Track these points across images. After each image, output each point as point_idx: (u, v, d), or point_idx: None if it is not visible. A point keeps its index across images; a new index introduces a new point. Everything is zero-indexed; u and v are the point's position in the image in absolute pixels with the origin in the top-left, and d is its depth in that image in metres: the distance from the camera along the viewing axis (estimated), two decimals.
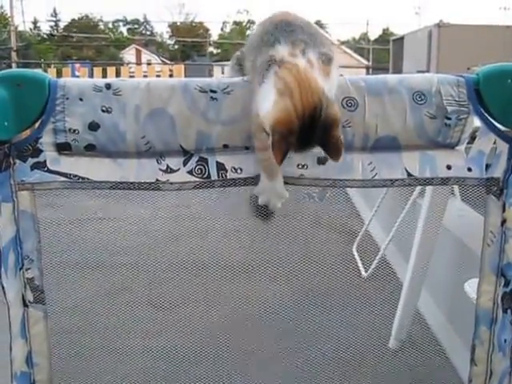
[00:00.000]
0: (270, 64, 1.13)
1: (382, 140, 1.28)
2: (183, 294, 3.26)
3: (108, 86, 1.24)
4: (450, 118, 1.27)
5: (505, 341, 1.29)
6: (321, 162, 1.29)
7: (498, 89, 1.27)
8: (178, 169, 1.28)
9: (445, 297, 3.13)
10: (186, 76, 14.60)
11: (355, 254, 4.04)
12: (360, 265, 3.82)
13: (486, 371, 1.35)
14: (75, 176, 1.27)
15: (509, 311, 1.29)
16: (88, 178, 1.27)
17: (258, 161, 1.25)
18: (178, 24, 51.98)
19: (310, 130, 1.08)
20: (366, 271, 3.72)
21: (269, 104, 1.10)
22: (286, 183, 1.31)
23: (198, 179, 1.29)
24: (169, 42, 53.73)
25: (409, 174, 1.30)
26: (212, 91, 1.25)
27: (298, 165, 1.29)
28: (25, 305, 1.32)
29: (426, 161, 1.30)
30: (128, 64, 26.34)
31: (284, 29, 1.19)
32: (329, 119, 1.08)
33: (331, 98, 1.10)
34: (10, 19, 32.86)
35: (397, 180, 1.31)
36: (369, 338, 2.89)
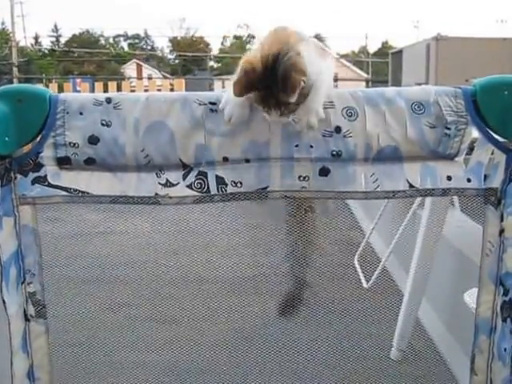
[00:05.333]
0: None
1: (385, 151, 1.28)
2: (185, 308, 3.26)
3: (108, 100, 1.25)
4: (449, 128, 1.28)
5: (505, 350, 1.29)
6: (323, 173, 1.30)
7: (495, 100, 1.28)
8: (178, 183, 1.28)
9: (445, 307, 3.13)
10: (186, 90, 14.65)
11: (356, 265, 4.04)
12: (361, 276, 3.82)
13: (486, 380, 1.35)
14: (75, 190, 1.28)
15: (508, 320, 1.29)
16: (88, 192, 1.28)
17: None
18: (179, 39, 52.17)
19: (271, 72, 1.15)
20: (367, 282, 3.72)
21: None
22: (287, 197, 1.31)
23: (197, 193, 1.29)
24: (169, 56, 53.97)
25: (410, 186, 1.31)
26: (211, 103, 1.26)
27: (300, 177, 1.29)
28: (26, 319, 1.33)
29: (426, 172, 1.31)
30: (129, 79, 26.45)
31: None
32: (289, 63, 1.15)
33: (299, 52, 1.17)
34: (11, 35, 33.06)
35: (399, 191, 1.31)
36: (371, 349, 2.88)
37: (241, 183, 1.29)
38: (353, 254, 4.17)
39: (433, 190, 1.33)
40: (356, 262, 4.08)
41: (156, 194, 1.28)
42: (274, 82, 1.15)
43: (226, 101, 1.25)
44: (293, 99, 1.15)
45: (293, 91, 1.14)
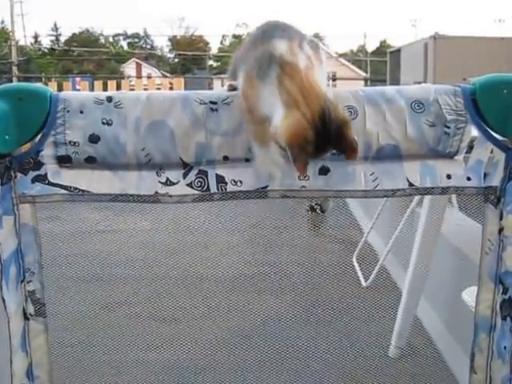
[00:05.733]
0: (271, 61, 1.12)
1: (384, 149, 1.28)
2: (184, 306, 3.27)
3: (109, 99, 1.25)
4: (449, 127, 1.28)
5: (504, 348, 1.29)
6: (322, 172, 1.29)
7: (494, 98, 1.28)
8: (178, 181, 1.28)
9: (444, 305, 3.13)
10: (186, 89, 14.68)
11: (355, 263, 4.05)
12: (360, 274, 3.83)
13: (485, 379, 1.35)
14: (76, 189, 1.27)
15: (508, 318, 1.29)
16: (88, 191, 1.28)
17: (249, 131, 1.23)
18: (178, 38, 52.16)
19: (324, 134, 1.08)
20: (365, 280, 3.72)
21: (278, 117, 1.10)
22: (286, 196, 1.31)
23: (197, 192, 1.29)
24: (169, 55, 53.97)
25: (410, 184, 1.31)
26: (212, 102, 1.26)
27: (299, 176, 1.29)
28: (26, 318, 1.32)
29: (426, 170, 1.31)
30: (128, 78, 26.45)
31: (276, 27, 1.20)
32: (339, 120, 1.08)
33: (334, 101, 1.10)
34: (10, 34, 33.03)
35: (398, 190, 1.31)
36: (369, 347, 2.89)
37: (241, 182, 1.29)
38: (351, 253, 4.18)
39: (432, 188, 1.33)
40: (355, 261, 4.09)
41: (156, 192, 1.28)
42: (325, 141, 1.09)
43: (257, 159, 1.24)
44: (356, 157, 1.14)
45: (356, 152, 1.12)
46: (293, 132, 1.07)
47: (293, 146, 1.07)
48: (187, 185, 1.28)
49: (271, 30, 1.20)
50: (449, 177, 1.31)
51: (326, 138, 1.08)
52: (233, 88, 1.28)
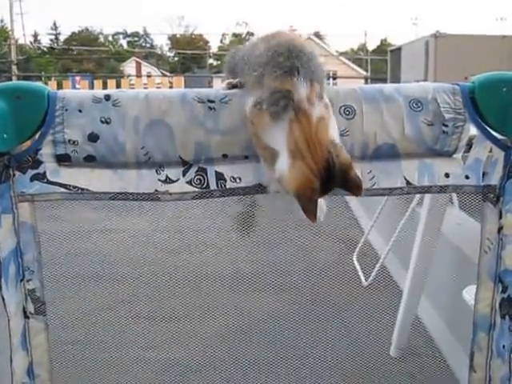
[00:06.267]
0: (287, 104, 1.11)
1: (382, 148, 1.28)
2: (184, 305, 3.26)
3: (107, 98, 1.25)
4: (447, 126, 1.27)
5: (503, 347, 1.29)
6: None
7: (493, 97, 1.27)
8: (178, 179, 1.28)
9: (444, 304, 3.13)
10: (185, 88, 14.65)
11: (355, 263, 4.04)
12: (360, 273, 3.82)
13: (485, 377, 1.35)
14: (75, 187, 1.27)
15: (507, 317, 1.29)
16: (88, 189, 1.27)
17: (260, 154, 1.23)
18: (178, 36, 52.22)
19: (329, 180, 1.10)
20: (366, 280, 3.72)
21: (283, 164, 1.11)
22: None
23: (197, 189, 1.29)
24: (169, 54, 54.02)
25: (408, 183, 1.31)
26: (210, 101, 1.26)
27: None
28: (26, 316, 1.32)
29: (424, 169, 1.31)
30: (128, 76, 26.46)
31: (298, 55, 1.15)
32: (342, 165, 1.10)
33: (338, 144, 1.12)
34: (10, 33, 33.05)
35: (396, 188, 1.32)
36: (370, 346, 2.89)
37: (240, 179, 1.29)
38: (352, 252, 4.18)
39: (430, 186, 1.33)
40: (355, 260, 4.09)
41: (156, 190, 1.28)
42: (331, 184, 1.12)
43: (269, 180, 1.24)
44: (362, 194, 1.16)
45: (361, 189, 1.14)
46: (299, 184, 1.09)
47: (300, 196, 1.09)
48: (187, 182, 1.28)
49: (294, 57, 1.14)
50: (447, 175, 1.31)
51: (331, 182, 1.11)
52: (231, 86, 1.28)
